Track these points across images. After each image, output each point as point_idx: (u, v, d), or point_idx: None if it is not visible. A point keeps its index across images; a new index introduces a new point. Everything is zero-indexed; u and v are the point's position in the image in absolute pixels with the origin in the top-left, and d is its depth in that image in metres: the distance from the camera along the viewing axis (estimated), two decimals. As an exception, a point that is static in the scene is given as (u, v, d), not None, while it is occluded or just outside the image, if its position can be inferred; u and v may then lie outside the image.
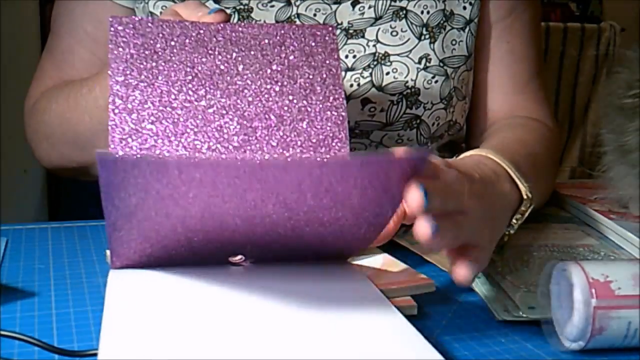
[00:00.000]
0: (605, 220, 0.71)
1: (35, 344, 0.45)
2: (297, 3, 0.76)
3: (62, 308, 0.52)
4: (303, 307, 0.48)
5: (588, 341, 0.47)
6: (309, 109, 0.58)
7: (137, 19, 0.57)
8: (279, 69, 0.58)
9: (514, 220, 0.60)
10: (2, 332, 0.45)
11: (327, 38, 0.60)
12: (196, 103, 0.56)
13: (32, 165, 1.65)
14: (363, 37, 0.77)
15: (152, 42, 0.56)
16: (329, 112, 0.58)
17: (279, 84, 0.58)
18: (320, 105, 0.58)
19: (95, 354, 0.44)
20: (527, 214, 0.61)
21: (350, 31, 0.77)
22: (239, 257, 0.54)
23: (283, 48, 0.59)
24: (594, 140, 0.79)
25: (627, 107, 0.69)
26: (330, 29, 0.61)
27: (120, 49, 0.55)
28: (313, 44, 0.60)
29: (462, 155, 0.62)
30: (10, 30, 1.63)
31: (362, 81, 0.76)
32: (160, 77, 0.56)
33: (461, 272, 0.50)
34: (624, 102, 0.69)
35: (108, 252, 0.54)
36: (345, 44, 0.77)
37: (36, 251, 0.64)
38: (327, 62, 0.59)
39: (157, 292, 0.49)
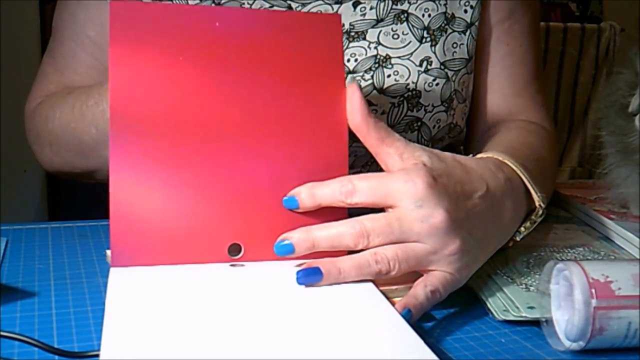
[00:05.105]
0: (606, 221, 0.71)
1: (35, 344, 0.45)
2: (298, 8, 0.76)
3: (62, 308, 0.52)
4: (302, 306, 0.49)
5: (588, 341, 0.47)
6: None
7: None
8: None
9: (522, 228, 0.60)
10: (2, 333, 0.45)
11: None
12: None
13: (32, 165, 1.65)
14: (364, 39, 0.77)
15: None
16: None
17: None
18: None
19: (95, 355, 0.44)
20: (536, 224, 0.61)
21: (352, 33, 0.77)
22: (239, 255, 0.54)
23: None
24: (594, 140, 0.79)
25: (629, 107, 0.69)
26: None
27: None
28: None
29: (478, 156, 0.61)
30: (10, 30, 1.63)
31: (363, 84, 0.76)
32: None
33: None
34: (625, 103, 0.69)
35: (108, 252, 0.54)
36: (347, 47, 0.76)
37: (36, 251, 0.64)
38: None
39: (159, 291, 0.49)
